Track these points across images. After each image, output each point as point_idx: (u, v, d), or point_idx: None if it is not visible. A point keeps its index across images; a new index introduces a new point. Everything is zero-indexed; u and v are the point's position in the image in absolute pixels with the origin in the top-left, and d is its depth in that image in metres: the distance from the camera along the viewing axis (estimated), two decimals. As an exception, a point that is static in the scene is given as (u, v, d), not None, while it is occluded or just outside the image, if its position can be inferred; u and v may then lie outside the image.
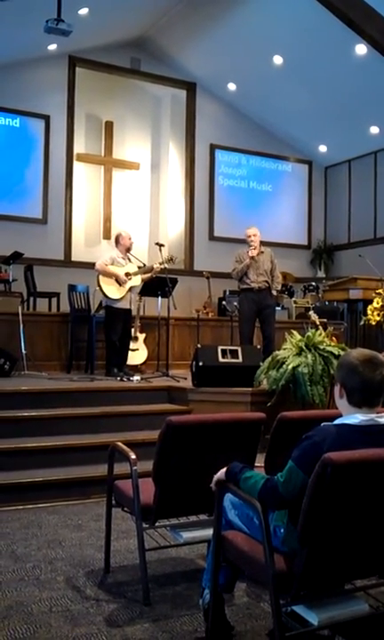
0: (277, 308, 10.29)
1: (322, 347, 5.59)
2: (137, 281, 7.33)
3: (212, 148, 12.20)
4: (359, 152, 12.10)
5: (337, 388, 2.28)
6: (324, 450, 2.07)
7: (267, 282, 7.36)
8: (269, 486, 2.20)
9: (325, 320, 7.51)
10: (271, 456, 2.85)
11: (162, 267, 7.40)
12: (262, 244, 7.56)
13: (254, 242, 7.40)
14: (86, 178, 11.59)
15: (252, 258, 7.30)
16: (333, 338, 6.01)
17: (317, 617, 2.12)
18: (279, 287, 7.74)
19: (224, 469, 2.42)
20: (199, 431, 2.94)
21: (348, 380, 2.23)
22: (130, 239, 7.52)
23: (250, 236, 7.45)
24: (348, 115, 10.88)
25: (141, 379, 6.83)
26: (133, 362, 7.86)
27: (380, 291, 6.73)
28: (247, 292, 7.39)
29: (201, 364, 5.99)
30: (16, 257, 9.13)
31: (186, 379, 6.63)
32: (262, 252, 7.44)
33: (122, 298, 7.19)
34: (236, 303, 8.60)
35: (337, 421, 2.25)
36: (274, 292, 7.51)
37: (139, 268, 7.40)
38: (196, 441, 2.91)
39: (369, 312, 6.61)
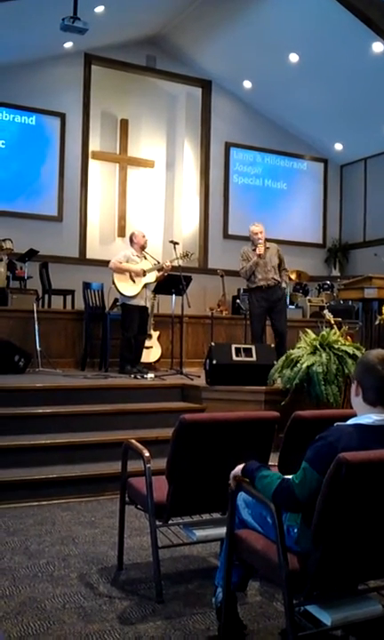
0: (291, 307, 10.29)
1: (336, 346, 5.56)
2: (152, 278, 7.35)
3: (227, 145, 12.17)
4: (375, 150, 12.02)
5: (354, 386, 2.29)
6: (338, 449, 2.07)
7: (274, 278, 7.28)
8: (284, 487, 2.19)
9: (340, 319, 7.46)
10: (285, 455, 2.84)
11: (173, 264, 7.40)
12: (276, 242, 7.51)
13: (261, 239, 7.31)
14: (101, 176, 11.62)
15: (260, 256, 7.23)
16: (348, 337, 5.97)
17: (330, 617, 2.11)
18: (288, 281, 7.63)
19: (241, 465, 2.42)
20: (213, 429, 2.94)
21: (364, 379, 2.24)
22: (144, 237, 7.55)
23: (256, 234, 7.32)
24: (364, 113, 10.81)
25: (155, 376, 6.84)
26: (147, 359, 7.88)
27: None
28: (256, 290, 7.29)
29: (215, 362, 5.98)
30: (31, 254, 9.17)
31: (199, 377, 6.63)
32: (268, 249, 7.32)
33: (136, 295, 7.22)
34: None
35: (350, 421, 2.25)
36: (283, 285, 7.42)
37: (153, 265, 7.42)
38: (210, 439, 2.91)
39: (384, 311, 6.58)
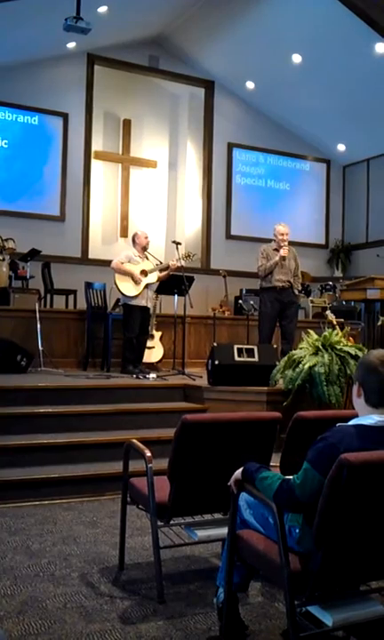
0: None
1: (339, 347, 5.55)
2: (153, 278, 7.35)
3: (230, 146, 12.18)
4: (378, 151, 12.02)
5: (355, 388, 2.27)
6: (340, 450, 2.06)
7: (290, 281, 7.29)
8: (285, 488, 2.18)
9: (342, 320, 7.47)
10: (286, 456, 2.84)
11: (177, 264, 7.39)
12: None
13: (286, 241, 7.29)
14: (104, 176, 11.62)
15: (283, 258, 7.19)
16: (350, 338, 5.97)
17: (332, 618, 2.11)
18: (300, 287, 7.67)
19: (241, 469, 2.42)
20: (215, 430, 2.94)
21: (366, 380, 2.23)
22: (146, 238, 7.55)
23: (282, 234, 7.28)
24: (367, 113, 10.81)
25: (157, 376, 6.84)
26: (149, 359, 7.88)
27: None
28: (270, 290, 7.29)
29: (217, 362, 5.98)
30: (34, 254, 9.18)
31: (202, 377, 6.63)
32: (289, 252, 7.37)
33: (138, 295, 7.22)
34: (252, 302, 8.56)
35: (352, 422, 2.24)
36: (296, 292, 7.43)
37: (155, 265, 7.42)
38: (212, 439, 2.91)
39: (386, 312, 6.57)
